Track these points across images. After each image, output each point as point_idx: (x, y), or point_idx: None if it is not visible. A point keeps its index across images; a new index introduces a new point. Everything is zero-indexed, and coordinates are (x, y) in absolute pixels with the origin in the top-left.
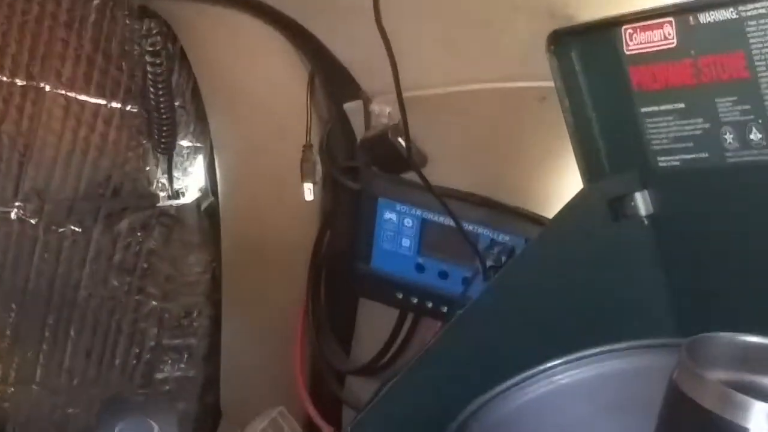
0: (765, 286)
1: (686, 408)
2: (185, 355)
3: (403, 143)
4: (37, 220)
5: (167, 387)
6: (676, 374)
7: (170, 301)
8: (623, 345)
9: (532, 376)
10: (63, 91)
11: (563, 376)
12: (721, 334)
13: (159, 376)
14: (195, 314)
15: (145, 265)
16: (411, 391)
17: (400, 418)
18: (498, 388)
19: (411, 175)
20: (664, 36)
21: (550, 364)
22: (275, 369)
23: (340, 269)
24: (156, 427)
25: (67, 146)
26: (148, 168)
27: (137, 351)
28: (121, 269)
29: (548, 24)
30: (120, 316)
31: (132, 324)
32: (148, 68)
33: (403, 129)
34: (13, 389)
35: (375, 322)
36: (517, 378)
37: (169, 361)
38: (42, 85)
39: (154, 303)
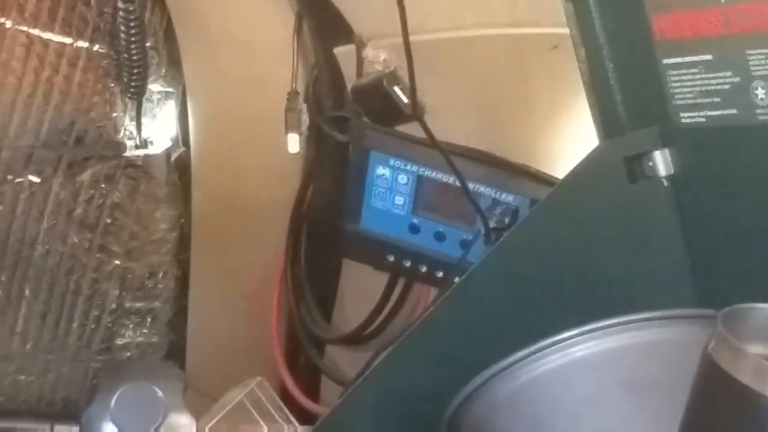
0: None
1: (722, 383)
2: (148, 320)
3: (399, 92)
4: None
5: (128, 353)
6: (712, 347)
7: (134, 260)
8: (643, 316)
9: (543, 348)
10: (25, 28)
11: (578, 349)
12: (760, 305)
13: (119, 341)
14: (160, 275)
15: (108, 221)
16: (407, 363)
17: (395, 393)
18: (504, 362)
19: (405, 129)
20: None
21: (563, 336)
22: (248, 336)
23: (323, 228)
24: (160, 393)
25: (27, 88)
26: (115, 114)
27: (97, 314)
28: (82, 224)
29: None
30: (79, 275)
31: (92, 284)
32: (119, 5)
33: (409, 75)
34: None
35: (361, 288)
36: (527, 350)
37: (131, 326)
38: (2, 20)
39: (116, 262)
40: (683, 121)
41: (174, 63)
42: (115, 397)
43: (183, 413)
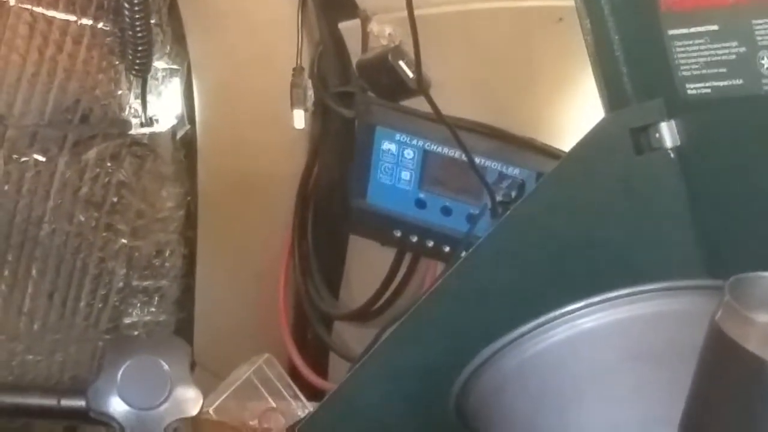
0: None
1: (730, 351)
2: (156, 298)
3: (404, 67)
4: None
5: (136, 332)
6: (720, 315)
7: (140, 239)
8: (650, 287)
9: (551, 320)
10: (29, 6)
11: (585, 321)
12: (767, 274)
13: (127, 320)
14: (167, 253)
15: (115, 199)
16: (415, 338)
17: (403, 368)
18: (512, 335)
19: (410, 103)
20: None
21: (570, 308)
22: (256, 314)
23: (329, 204)
24: (166, 366)
25: (32, 67)
26: (120, 92)
27: (104, 293)
28: (88, 203)
29: None
30: (86, 254)
31: (98, 263)
32: None
33: (414, 50)
34: None
35: (367, 263)
36: (534, 323)
37: (138, 305)
38: None
39: (123, 240)
40: (689, 92)
41: (179, 40)
42: (121, 371)
43: (190, 387)
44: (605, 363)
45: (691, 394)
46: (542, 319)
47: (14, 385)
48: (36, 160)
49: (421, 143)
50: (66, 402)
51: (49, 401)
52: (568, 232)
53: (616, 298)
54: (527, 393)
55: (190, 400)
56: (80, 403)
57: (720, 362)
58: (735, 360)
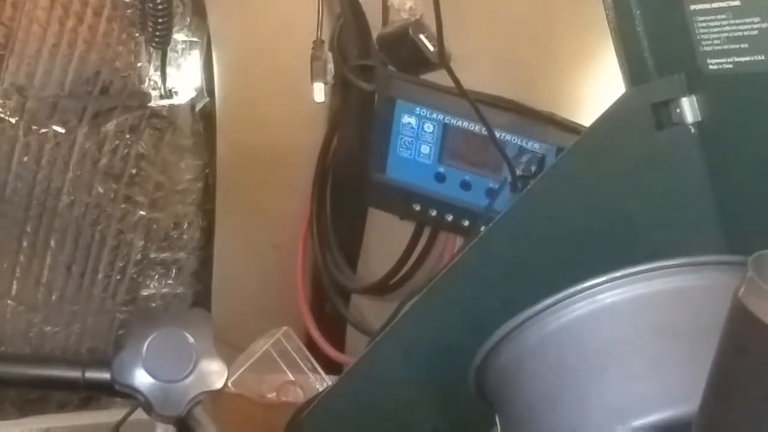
0: None
1: (753, 327)
2: (173, 270)
3: (424, 41)
4: (17, 119)
5: (153, 304)
6: (743, 292)
7: (159, 211)
8: (671, 262)
9: (572, 295)
10: None
11: (606, 296)
12: None
13: (144, 292)
14: (185, 225)
15: (133, 171)
16: (434, 312)
17: (422, 342)
18: (532, 309)
19: (430, 77)
20: None
21: (591, 283)
22: (274, 286)
23: (348, 178)
24: (191, 339)
25: (52, 38)
26: (140, 64)
27: (122, 265)
28: (107, 175)
29: None
30: (104, 226)
31: (117, 235)
32: None
33: (436, 22)
34: None
35: (386, 237)
36: (555, 298)
37: (156, 277)
38: None
39: (141, 212)
40: (711, 67)
41: (199, 12)
42: (146, 344)
43: (215, 359)
44: (626, 338)
45: (712, 370)
46: (564, 293)
47: (38, 356)
48: (55, 131)
49: (441, 117)
50: (90, 374)
51: (74, 373)
52: (589, 206)
53: (637, 273)
54: (548, 367)
55: (215, 372)
56: (105, 375)
57: (743, 338)
58: (758, 336)
